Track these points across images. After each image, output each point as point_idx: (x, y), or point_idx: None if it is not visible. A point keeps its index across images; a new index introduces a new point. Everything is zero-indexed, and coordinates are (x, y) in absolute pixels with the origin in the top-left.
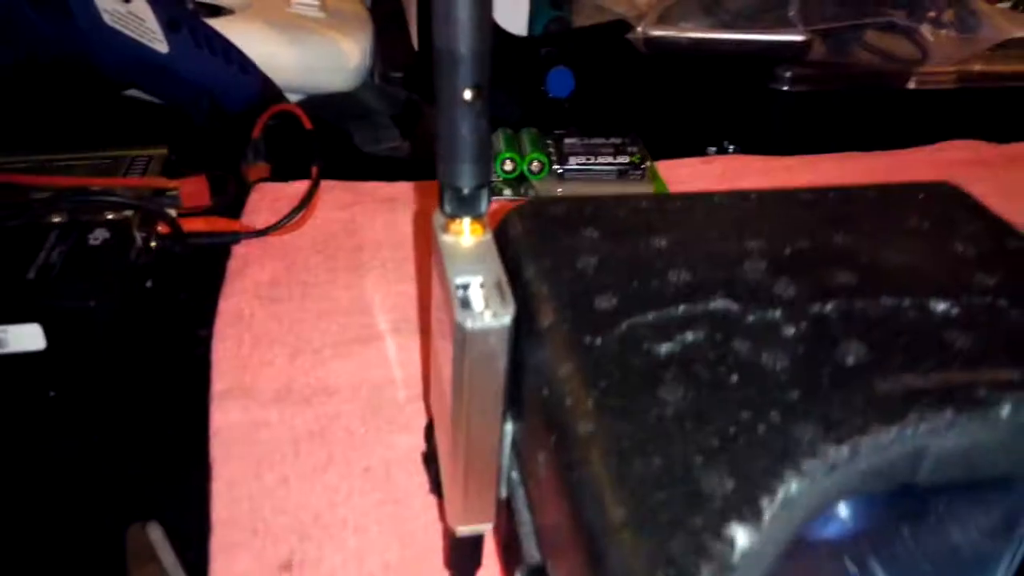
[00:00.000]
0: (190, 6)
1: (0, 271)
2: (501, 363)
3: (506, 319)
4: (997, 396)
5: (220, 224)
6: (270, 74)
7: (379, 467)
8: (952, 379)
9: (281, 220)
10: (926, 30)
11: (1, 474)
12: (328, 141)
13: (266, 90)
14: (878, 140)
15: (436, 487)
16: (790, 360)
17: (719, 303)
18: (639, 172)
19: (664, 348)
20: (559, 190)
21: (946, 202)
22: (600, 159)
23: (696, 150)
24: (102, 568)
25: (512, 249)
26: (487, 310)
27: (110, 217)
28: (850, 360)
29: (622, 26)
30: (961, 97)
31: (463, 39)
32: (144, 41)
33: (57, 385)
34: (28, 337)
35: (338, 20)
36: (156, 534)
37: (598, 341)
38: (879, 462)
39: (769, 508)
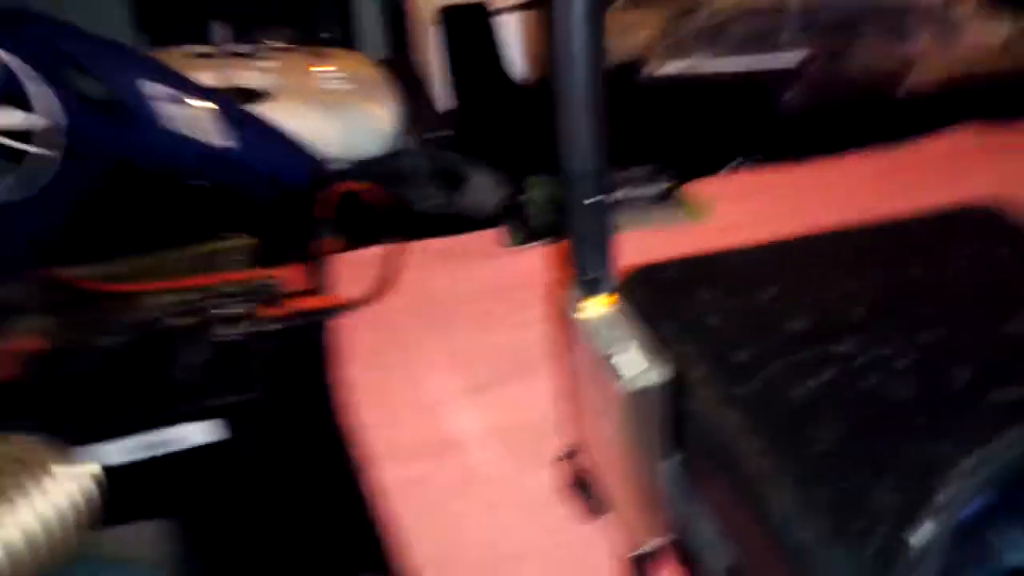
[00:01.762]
0: (229, 96)
1: (161, 378)
2: (661, 414)
3: (657, 379)
4: None
5: (319, 302)
6: (312, 147)
7: (528, 503)
8: None
9: (372, 293)
10: (911, 43)
11: (216, 546)
12: (385, 205)
13: (318, 167)
14: (877, 142)
15: (594, 509)
16: (913, 390)
17: (836, 347)
18: (671, 199)
19: (803, 391)
20: None
21: (989, 225)
22: (635, 191)
23: (713, 169)
24: None
25: (640, 314)
26: (641, 375)
27: (231, 313)
28: (959, 383)
29: (632, 67)
30: (952, 96)
31: (588, 160)
32: (206, 140)
33: (234, 467)
34: (204, 432)
35: (365, 89)
36: None
37: (745, 390)
38: (1004, 463)
39: (930, 515)
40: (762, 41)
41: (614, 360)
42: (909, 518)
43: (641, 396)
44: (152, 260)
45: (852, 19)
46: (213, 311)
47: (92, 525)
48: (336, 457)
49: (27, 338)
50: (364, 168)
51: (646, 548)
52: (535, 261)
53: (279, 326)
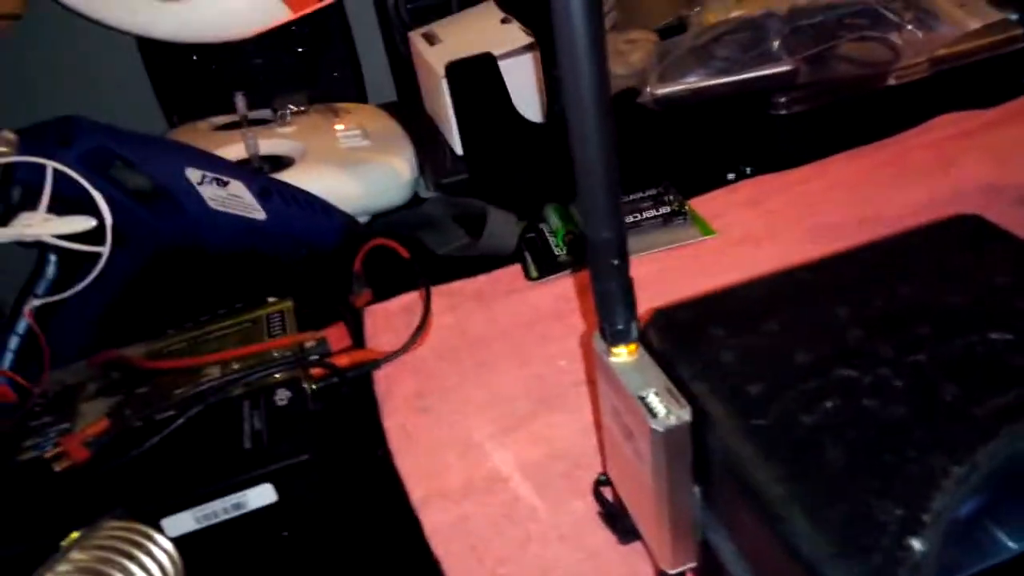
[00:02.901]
0: (257, 164)
1: (222, 446)
2: (687, 449)
3: (686, 417)
4: None
5: (361, 355)
6: (338, 205)
7: (569, 531)
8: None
9: (408, 342)
10: (893, 35)
11: None
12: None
13: (347, 224)
14: (874, 136)
15: (625, 536)
16: (908, 408)
17: (841, 373)
18: (681, 217)
19: (812, 418)
20: None
21: (976, 234)
22: (645, 214)
23: (719, 180)
24: None
25: (660, 356)
26: (670, 414)
27: (281, 377)
28: (949, 397)
29: (632, 92)
30: (937, 81)
31: (608, 228)
32: (245, 215)
33: (288, 526)
34: (261, 496)
35: (382, 143)
36: None
37: (762, 423)
38: (990, 468)
39: (929, 521)
40: (751, 53)
41: (646, 402)
42: (909, 529)
43: (671, 434)
44: (202, 332)
45: (836, 18)
46: (267, 378)
47: None
48: (384, 506)
49: (93, 422)
50: (387, 220)
51: (673, 573)
52: (559, 290)
53: (326, 384)
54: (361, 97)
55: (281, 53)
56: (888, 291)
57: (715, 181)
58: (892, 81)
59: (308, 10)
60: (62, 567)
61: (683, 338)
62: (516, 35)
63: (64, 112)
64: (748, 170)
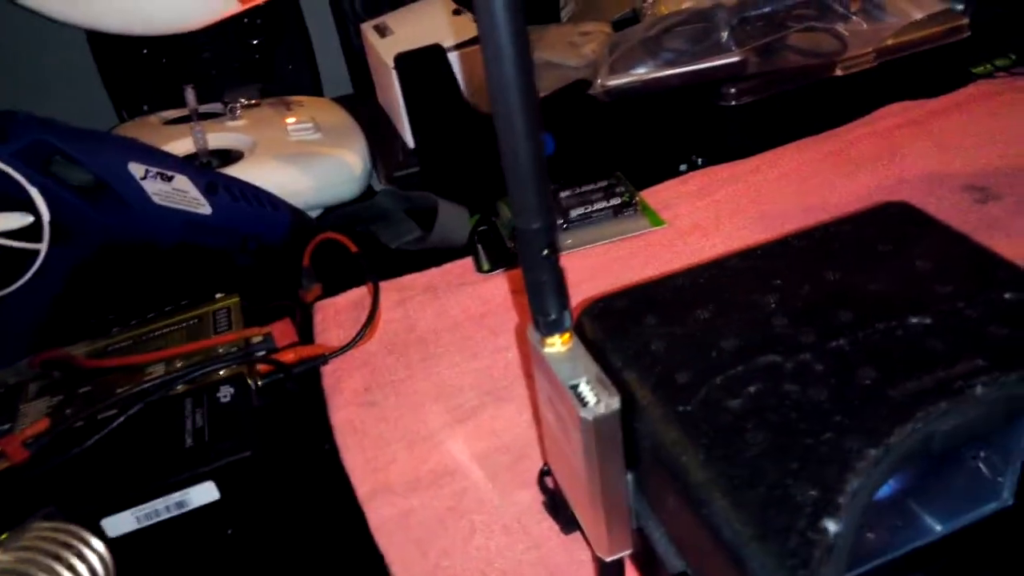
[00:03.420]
0: (205, 158)
1: (163, 445)
2: (618, 437)
3: (615, 405)
4: (972, 382)
5: (308, 351)
6: (289, 199)
7: (513, 523)
8: (938, 378)
9: (355, 337)
10: (840, 26)
11: None
12: (362, 247)
13: (296, 219)
14: (823, 125)
15: (567, 526)
16: (827, 392)
17: (765, 359)
18: (631, 208)
19: (736, 403)
20: (568, 240)
21: (902, 221)
22: (595, 205)
23: (671, 171)
24: None
25: (593, 346)
26: (599, 403)
27: (225, 374)
28: (867, 381)
29: (583, 84)
30: (884, 70)
31: (538, 219)
32: (191, 209)
33: (232, 523)
34: (204, 493)
35: (334, 137)
36: None
37: (688, 408)
38: (905, 450)
39: (844, 503)
40: (700, 45)
41: (577, 391)
42: (824, 510)
43: (600, 422)
44: (147, 330)
45: (784, 9)
46: (210, 375)
47: None
48: (330, 501)
49: (33, 422)
50: (339, 213)
51: (611, 559)
52: (510, 283)
53: (272, 380)
54: (316, 90)
55: (234, 46)
56: (815, 278)
57: (668, 172)
58: (839, 72)
59: (257, 2)
60: None
61: (616, 327)
62: (468, 27)
63: (11, 106)
64: (700, 160)
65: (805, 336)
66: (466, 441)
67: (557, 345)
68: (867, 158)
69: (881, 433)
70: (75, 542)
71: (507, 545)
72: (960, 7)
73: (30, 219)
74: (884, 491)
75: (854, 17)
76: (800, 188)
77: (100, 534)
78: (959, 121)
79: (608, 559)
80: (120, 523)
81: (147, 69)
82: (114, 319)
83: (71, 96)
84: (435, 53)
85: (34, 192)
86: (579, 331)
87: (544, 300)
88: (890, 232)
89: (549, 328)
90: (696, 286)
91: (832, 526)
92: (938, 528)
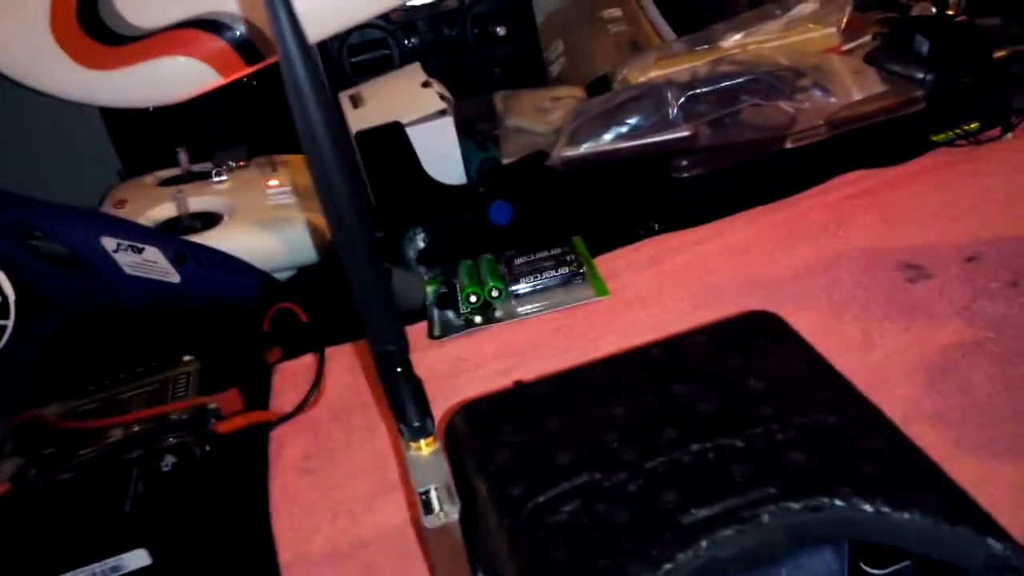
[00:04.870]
0: (187, 221)
1: (103, 509)
2: (457, 540)
3: (454, 516)
4: (758, 511)
5: (258, 416)
6: (261, 262)
7: None
8: (729, 505)
9: (299, 405)
10: (786, 104)
11: None
12: (325, 314)
13: (264, 282)
14: (779, 194)
15: None
16: (630, 514)
17: (586, 476)
18: (580, 277)
19: (553, 520)
20: (519, 309)
21: (758, 334)
22: (545, 274)
23: (628, 236)
24: None
25: (455, 448)
26: (440, 512)
27: (173, 441)
28: (668, 504)
29: (541, 155)
30: (838, 141)
31: (391, 342)
32: (159, 278)
33: None
34: (137, 559)
35: (311, 199)
36: None
37: (513, 522)
38: (686, 574)
39: None
40: (653, 119)
41: (426, 497)
42: None
43: (440, 531)
44: (115, 392)
45: (735, 87)
46: (159, 442)
47: None
48: (256, 567)
49: (0, 482)
50: (301, 279)
51: None
52: (458, 350)
53: (211, 448)
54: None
55: (229, 106)
56: (660, 392)
57: (626, 237)
58: (789, 144)
59: (237, 76)
60: None
61: (476, 432)
62: (431, 101)
63: (29, 166)
64: (656, 226)
65: (627, 454)
66: (383, 515)
67: (423, 448)
68: (812, 230)
69: (663, 559)
70: None
71: None
72: (920, 76)
73: None
74: None
75: (799, 96)
76: (742, 261)
77: None
78: (909, 193)
79: None
80: None
81: (151, 128)
82: (90, 380)
83: (82, 154)
84: (394, 130)
85: (0, 275)
86: (450, 430)
87: (405, 411)
88: (741, 347)
89: (413, 434)
90: (556, 394)
91: None
92: None
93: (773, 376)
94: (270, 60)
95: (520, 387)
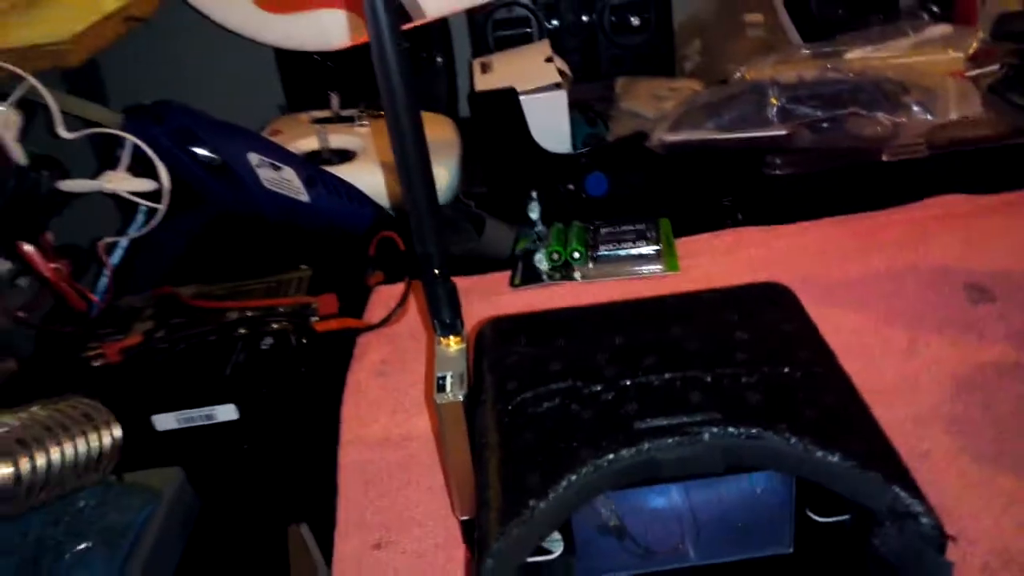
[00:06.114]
0: (326, 155)
1: (208, 369)
2: (462, 421)
3: (460, 397)
4: (701, 430)
5: (349, 323)
6: (381, 199)
7: (436, 484)
8: (677, 421)
9: (384, 319)
10: (886, 117)
11: (213, 491)
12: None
13: (378, 215)
14: (864, 205)
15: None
16: (595, 415)
17: (569, 383)
18: (656, 252)
19: (533, 410)
20: (594, 272)
21: (766, 299)
22: (624, 245)
23: (714, 224)
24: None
25: (479, 351)
26: (450, 392)
27: (275, 327)
28: (629, 412)
29: (642, 136)
30: (937, 162)
31: (430, 244)
32: (292, 195)
33: (247, 439)
34: (227, 412)
35: (433, 151)
36: (306, 532)
37: (502, 407)
38: (627, 467)
39: (553, 492)
40: (753, 115)
41: (441, 380)
42: (535, 493)
43: (447, 407)
44: (237, 285)
45: (837, 94)
46: (263, 325)
47: (110, 466)
48: (318, 439)
49: (135, 336)
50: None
51: (463, 520)
52: (531, 299)
53: (307, 341)
54: (452, 107)
55: None
56: (659, 330)
57: (711, 225)
58: (886, 157)
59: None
60: (22, 413)
61: (495, 341)
62: (550, 74)
63: (206, 91)
64: (740, 216)
65: (608, 371)
66: (433, 417)
67: (451, 345)
68: (890, 242)
69: (607, 450)
70: (97, 417)
71: (426, 499)
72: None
73: (154, 185)
74: (661, 502)
75: (900, 111)
76: (814, 261)
77: (149, 426)
78: (998, 221)
79: (462, 519)
80: (165, 421)
81: (317, 71)
82: (223, 273)
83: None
84: (507, 96)
85: (160, 166)
86: (479, 336)
87: (439, 308)
88: (746, 306)
89: (444, 330)
90: (571, 321)
91: (537, 504)
92: (692, 555)
93: (760, 331)
94: (418, 22)
95: (545, 312)
